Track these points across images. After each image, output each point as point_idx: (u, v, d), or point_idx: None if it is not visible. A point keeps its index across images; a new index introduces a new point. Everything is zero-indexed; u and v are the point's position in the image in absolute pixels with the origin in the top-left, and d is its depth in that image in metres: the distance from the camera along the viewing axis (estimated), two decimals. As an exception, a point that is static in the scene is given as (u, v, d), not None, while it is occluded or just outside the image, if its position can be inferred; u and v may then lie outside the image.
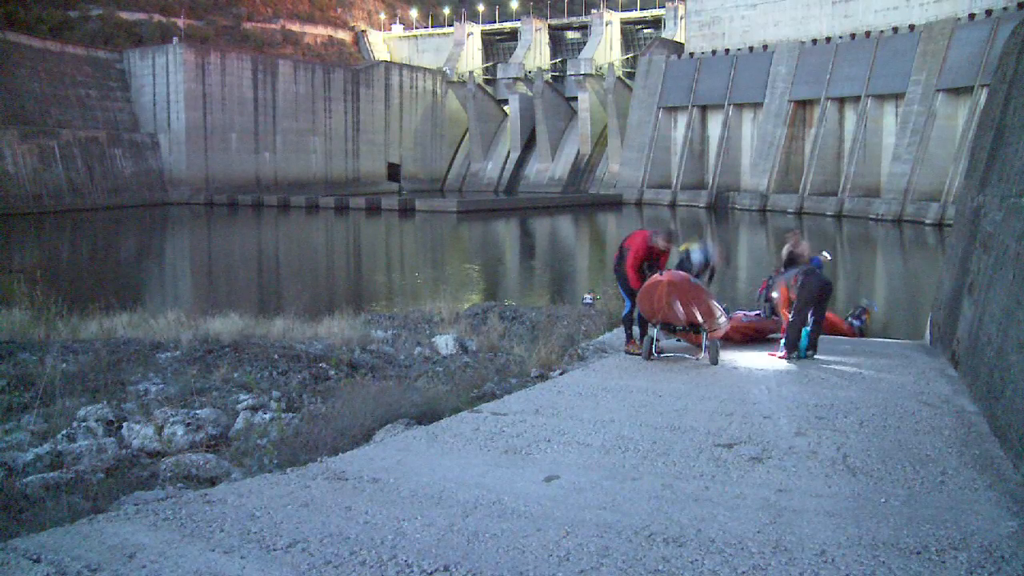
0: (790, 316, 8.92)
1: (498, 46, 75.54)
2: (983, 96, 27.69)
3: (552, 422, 5.84)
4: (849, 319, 13.19)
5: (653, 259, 8.82)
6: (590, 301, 15.16)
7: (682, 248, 9.53)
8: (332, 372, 7.73)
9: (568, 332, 10.01)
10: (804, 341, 8.88)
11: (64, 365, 7.08)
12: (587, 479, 4.56)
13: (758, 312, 10.85)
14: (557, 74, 69.52)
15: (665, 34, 63.86)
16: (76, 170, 48.90)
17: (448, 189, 70.55)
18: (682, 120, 56.29)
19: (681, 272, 8.56)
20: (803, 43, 50.42)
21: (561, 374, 7.75)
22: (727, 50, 55.11)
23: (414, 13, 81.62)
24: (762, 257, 32.57)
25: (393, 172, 67.61)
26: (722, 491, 4.48)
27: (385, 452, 5.11)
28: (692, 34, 57.99)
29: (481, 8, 75.96)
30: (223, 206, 53.10)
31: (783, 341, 8.97)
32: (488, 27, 75.01)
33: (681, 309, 8.18)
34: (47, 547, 3.53)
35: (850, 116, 47.61)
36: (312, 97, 62.04)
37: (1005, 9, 39.58)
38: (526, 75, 68.99)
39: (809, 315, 8.89)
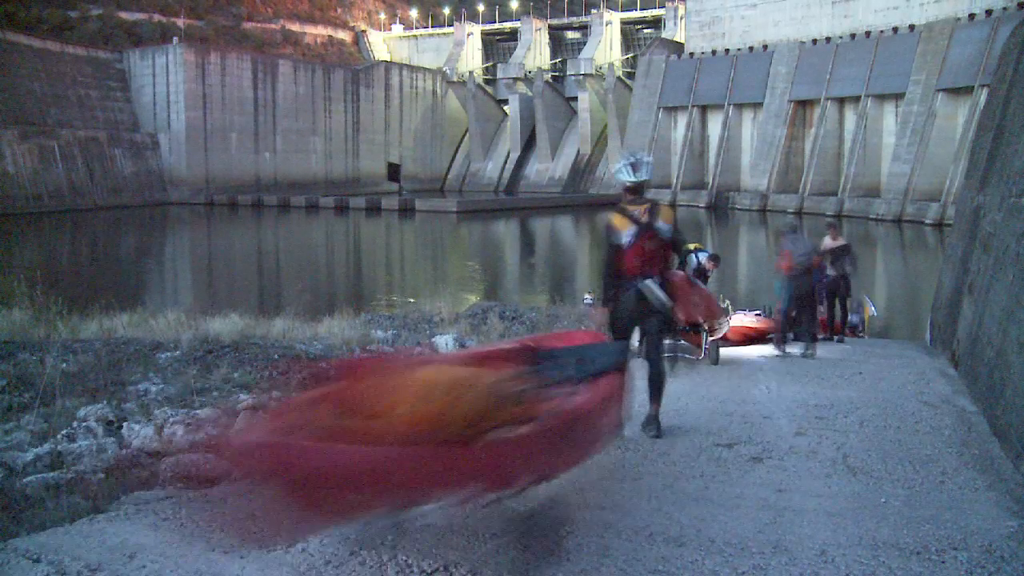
0: (778, 312, 9.54)
1: (498, 46, 75.50)
2: (983, 96, 27.68)
3: (552, 422, 5.82)
4: (850, 317, 13.33)
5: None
6: (590, 301, 15.14)
7: (692, 247, 9.60)
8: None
9: (568, 332, 9.99)
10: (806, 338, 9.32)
11: (64, 365, 7.07)
12: (587, 478, 4.55)
13: (758, 312, 10.93)
14: (557, 74, 69.48)
15: (665, 34, 63.84)
16: (76, 170, 48.88)
17: (448, 189, 70.52)
18: (682, 120, 56.27)
19: (680, 272, 8.58)
20: (803, 43, 50.39)
21: (561, 374, 7.73)
22: (727, 50, 55.09)
23: (414, 13, 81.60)
24: (762, 257, 32.56)
25: (393, 172, 67.56)
26: (722, 491, 4.48)
27: (385, 452, 5.10)
28: (692, 34, 57.96)
29: (481, 8, 75.93)
30: (223, 206, 53.08)
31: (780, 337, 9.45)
32: (488, 27, 74.99)
33: (681, 309, 8.19)
34: (47, 547, 3.53)
35: (850, 116, 47.59)
36: (312, 97, 62.01)
37: (1005, 9, 39.58)
38: (526, 75, 68.96)
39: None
